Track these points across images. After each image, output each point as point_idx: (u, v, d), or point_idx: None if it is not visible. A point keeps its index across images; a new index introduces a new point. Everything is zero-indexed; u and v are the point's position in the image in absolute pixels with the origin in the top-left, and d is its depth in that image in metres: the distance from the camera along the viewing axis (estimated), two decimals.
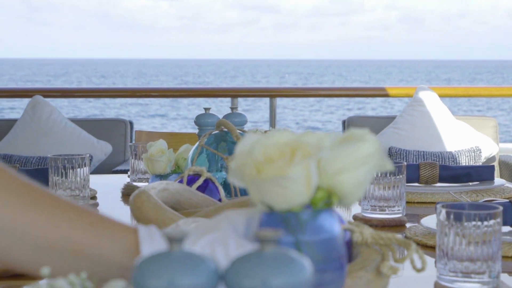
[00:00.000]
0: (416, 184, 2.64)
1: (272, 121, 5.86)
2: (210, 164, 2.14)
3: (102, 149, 5.16)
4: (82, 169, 2.31)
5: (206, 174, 1.91)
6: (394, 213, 2.13)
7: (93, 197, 2.51)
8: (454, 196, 2.45)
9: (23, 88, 8.11)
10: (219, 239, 0.89)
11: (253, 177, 0.85)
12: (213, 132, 2.17)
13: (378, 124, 5.48)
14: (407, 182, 2.62)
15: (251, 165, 0.86)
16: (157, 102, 32.99)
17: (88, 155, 2.34)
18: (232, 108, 2.44)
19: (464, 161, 5.14)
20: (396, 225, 2.11)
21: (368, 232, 1.28)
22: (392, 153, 5.19)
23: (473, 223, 1.45)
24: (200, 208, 1.76)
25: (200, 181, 1.89)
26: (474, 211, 1.46)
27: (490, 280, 1.46)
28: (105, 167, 5.13)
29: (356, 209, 2.27)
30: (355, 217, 2.18)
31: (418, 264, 1.26)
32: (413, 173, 2.62)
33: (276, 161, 0.85)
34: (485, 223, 1.45)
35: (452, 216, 1.46)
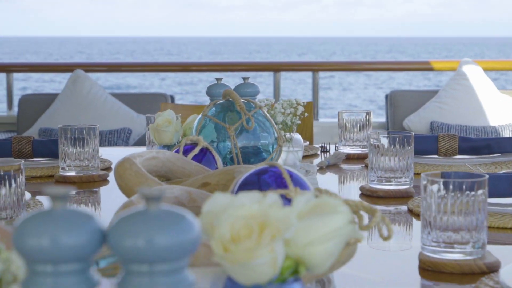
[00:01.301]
0: (435, 156, 2.58)
1: (315, 96, 5.81)
2: (218, 134, 2.12)
3: (141, 123, 5.18)
4: (92, 139, 2.31)
5: (202, 143, 1.89)
6: (401, 184, 2.08)
7: (107, 169, 2.51)
8: (470, 168, 2.39)
9: (65, 63, 8.21)
10: None
11: (220, 255, 0.83)
12: (218, 102, 2.15)
13: (420, 98, 5.39)
14: (426, 154, 2.57)
15: (218, 242, 0.83)
16: (200, 76, 32.91)
17: (96, 126, 2.34)
18: (244, 79, 2.41)
19: (508, 136, 5.02)
20: (402, 197, 2.07)
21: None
22: (434, 128, 5.11)
23: (457, 192, 1.41)
24: (194, 177, 1.75)
25: (196, 151, 1.87)
26: (459, 180, 1.41)
27: (474, 250, 1.41)
28: (145, 141, 5.15)
29: (363, 180, 2.22)
30: (362, 188, 2.14)
31: (385, 232, 1.22)
32: (432, 145, 2.56)
33: (243, 241, 0.83)
34: (470, 192, 1.41)
35: (436, 185, 1.42)
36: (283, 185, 1.24)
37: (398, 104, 5.39)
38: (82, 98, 5.21)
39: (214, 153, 1.90)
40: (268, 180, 1.25)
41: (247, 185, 1.25)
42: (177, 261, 0.69)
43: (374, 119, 5.70)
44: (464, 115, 5.20)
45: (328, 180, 2.42)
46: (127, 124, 5.12)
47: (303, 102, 2.44)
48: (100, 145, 3.70)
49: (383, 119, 5.64)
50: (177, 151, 1.88)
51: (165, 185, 1.46)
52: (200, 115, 2.13)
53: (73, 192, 0.71)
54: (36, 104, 5.30)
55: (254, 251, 0.82)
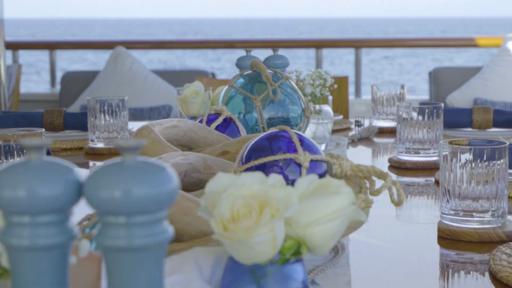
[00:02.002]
0: (470, 129, 2.54)
1: (357, 73, 5.76)
2: (246, 106, 2.11)
3: None
4: (120, 112, 2.32)
5: (226, 113, 1.88)
6: (429, 156, 2.05)
7: None
8: (503, 141, 2.34)
9: (106, 40, 8.25)
10: (182, 283, 0.86)
11: (220, 234, 0.82)
12: (246, 73, 2.13)
13: (464, 74, 5.31)
14: (460, 127, 2.53)
15: (217, 220, 0.82)
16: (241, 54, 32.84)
17: (125, 98, 2.34)
18: (274, 50, 2.38)
19: None
20: (431, 168, 2.04)
21: (347, 164, 1.23)
22: (478, 104, 5.03)
23: (477, 160, 1.38)
24: (214, 146, 1.74)
25: (219, 120, 1.86)
26: (479, 148, 1.38)
27: (493, 219, 1.38)
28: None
29: (392, 153, 2.20)
30: (390, 160, 2.11)
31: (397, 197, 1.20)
32: (466, 118, 2.52)
33: (242, 220, 0.82)
34: (490, 161, 1.38)
35: (455, 153, 1.39)
36: (295, 150, 1.23)
37: (441, 81, 5.32)
38: (123, 75, 5.23)
39: (238, 123, 1.88)
40: (280, 145, 1.23)
41: (257, 151, 1.24)
42: (154, 213, 0.68)
43: (417, 96, 5.65)
44: (509, 92, 5.11)
45: (358, 153, 2.40)
46: (167, 101, 5.14)
47: (333, 77, 2.41)
48: (140, 121, 3.72)
49: (426, 96, 5.57)
50: (201, 121, 1.87)
51: (181, 151, 1.45)
52: (226, 86, 2.12)
53: (50, 142, 0.70)
54: (78, 82, 5.34)
55: (253, 230, 0.81)
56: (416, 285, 1.21)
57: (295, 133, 1.24)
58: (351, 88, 6.00)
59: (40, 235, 0.67)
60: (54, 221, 0.68)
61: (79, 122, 2.50)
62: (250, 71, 2.14)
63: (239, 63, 2.42)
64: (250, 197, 0.83)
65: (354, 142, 2.52)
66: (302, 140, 1.24)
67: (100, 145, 2.31)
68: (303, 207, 0.86)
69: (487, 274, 1.23)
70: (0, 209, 0.67)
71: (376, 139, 2.61)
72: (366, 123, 2.87)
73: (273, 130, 1.27)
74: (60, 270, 0.69)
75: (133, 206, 0.66)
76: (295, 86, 2.12)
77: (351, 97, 5.71)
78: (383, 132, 2.70)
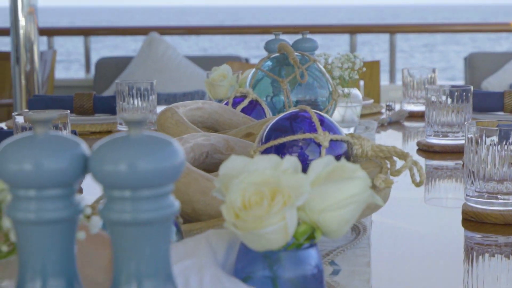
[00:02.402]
0: (501, 113, 2.51)
1: (392, 58, 5.72)
2: (274, 89, 2.10)
3: None
4: (149, 95, 2.32)
5: (252, 96, 1.87)
6: (458, 139, 2.03)
7: None
8: None
9: (141, 26, 8.26)
10: (195, 268, 0.85)
11: (231, 222, 0.81)
12: (273, 56, 2.12)
13: (499, 60, 5.25)
14: (491, 111, 2.50)
15: (229, 208, 0.82)
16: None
17: (153, 81, 2.34)
18: (303, 34, 2.37)
19: None
20: (459, 152, 2.01)
21: (368, 144, 1.22)
22: None
23: (502, 142, 1.36)
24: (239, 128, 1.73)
25: (245, 103, 1.86)
26: (504, 129, 1.36)
27: None
28: None
29: (422, 137, 2.17)
30: (419, 143, 2.09)
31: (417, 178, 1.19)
32: (498, 102, 2.49)
33: (253, 208, 0.81)
34: None
35: (480, 135, 1.37)
36: (316, 130, 1.22)
37: (476, 67, 5.27)
38: (157, 60, 5.25)
39: (264, 105, 1.88)
40: (300, 124, 1.22)
41: (277, 130, 1.23)
42: (160, 187, 0.67)
43: (454, 82, 5.58)
44: None
45: (386, 136, 2.38)
46: (201, 87, 5.14)
47: (362, 60, 2.40)
48: None
49: (461, 81, 5.52)
50: (227, 104, 1.87)
51: (203, 132, 1.44)
52: (254, 69, 2.12)
53: (54, 116, 0.70)
54: (112, 67, 5.37)
55: (265, 219, 0.80)
56: (439, 268, 1.20)
57: (315, 113, 1.23)
58: (386, 74, 5.96)
59: (46, 209, 0.67)
60: (60, 195, 0.68)
61: (109, 105, 2.51)
62: (278, 54, 2.13)
63: (268, 47, 2.41)
64: (262, 184, 0.82)
65: (383, 126, 2.50)
66: (322, 120, 1.23)
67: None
68: (317, 192, 0.85)
69: (511, 256, 1.22)
70: (6, 183, 0.67)
71: (406, 123, 2.59)
72: (398, 107, 2.84)
73: (293, 110, 1.27)
74: (66, 244, 0.69)
75: (139, 180, 0.66)
76: (323, 69, 2.10)
77: (386, 83, 5.67)
78: (413, 116, 2.68)
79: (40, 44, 4.27)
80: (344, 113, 2.32)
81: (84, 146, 0.69)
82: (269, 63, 2.12)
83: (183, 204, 1.18)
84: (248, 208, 0.81)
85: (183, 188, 1.18)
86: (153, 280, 0.68)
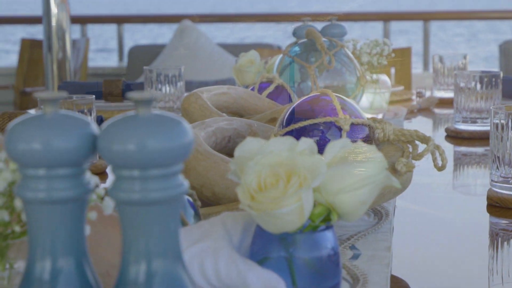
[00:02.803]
0: None
1: (426, 46, 5.67)
2: (301, 75, 2.09)
3: None
4: (177, 82, 2.32)
5: (278, 81, 1.86)
6: (486, 125, 2.00)
7: None
8: None
9: (173, 14, 8.28)
10: (210, 251, 0.85)
11: (246, 204, 0.81)
12: (301, 41, 2.12)
13: None
14: None
15: (244, 190, 0.81)
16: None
17: (181, 67, 2.34)
18: (331, 20, 2.36)
19: None
20: (487, 138, 1.99)
21: (390, 128, 1.21)
22: None
23: None
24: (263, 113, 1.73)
25: (271, 88, 1.85)
26: None
27: None
28: None
29: (450, 123, 2.15)
30: (447, 129, 2.07)
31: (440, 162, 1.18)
32: None
33: (269, 190, 0.80)
34: None
35: (506, 120, 1.35)
36: (337, 114, 1.21)
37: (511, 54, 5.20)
38: (189, 48, 5.25)
39: (290, 91, 1.87)
40: (321, 108, 1.22)
41: (298, 114, 1.22)
42: (169, 166, 0.67)
43: (487, 69, 5.51)
44: None
45: (415, 123, 2.36)
46: (233, 75, 5.13)
47: (390, 45, 2.37)
48: None
49: (496, 69, 5.45)
50: (253, 89, 1.86)
51: (226, 117, 1.44)
52: (281, 55, 2.11)
53: (64, 96, 0.70)
54: (145, 55, 5.38)
55: (280, 200, 0.79)
56: (463, 254, 1.18)
57: (337, 96, 1.22)
58: (420, 64, 5.91)
59: (55, 188, 0.67)
60: (70, 175, 0.68)
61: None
62: (305, 40, 2.12)
63: (296, 33, 2.40)
64: (278, 166, 0.81)
65: (413, 112, 2.48)
66: (344, 103, 1.22)
67: None
68: (333, 173, 0.84)
69: None
70: (16, 162, 0.67)
71: (436, 110, 2.56)
72: (428, 94, 2.82)
73: (315, 93, 1.26)
74: (76, 224, 0.69)
75: (147, 159, 0.65)
76: (351, 55, 2.09)
77: (419, 70, 5.63)
78: (444, 103, 2.65)
79: (74, 32, 4.29)
80: (372, 100, 2.30)
81: (93, 126, 0.69)
82: (296, 48, 2.11)
83: (203, 188, 1.18)
84: (264, 190, 0.81)
85: (203, 172, 1.18)
86: (162, 260, 0.68)
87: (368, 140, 1.20)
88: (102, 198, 0.77)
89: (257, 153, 0.84)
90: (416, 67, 5.70)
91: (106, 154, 0.67)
